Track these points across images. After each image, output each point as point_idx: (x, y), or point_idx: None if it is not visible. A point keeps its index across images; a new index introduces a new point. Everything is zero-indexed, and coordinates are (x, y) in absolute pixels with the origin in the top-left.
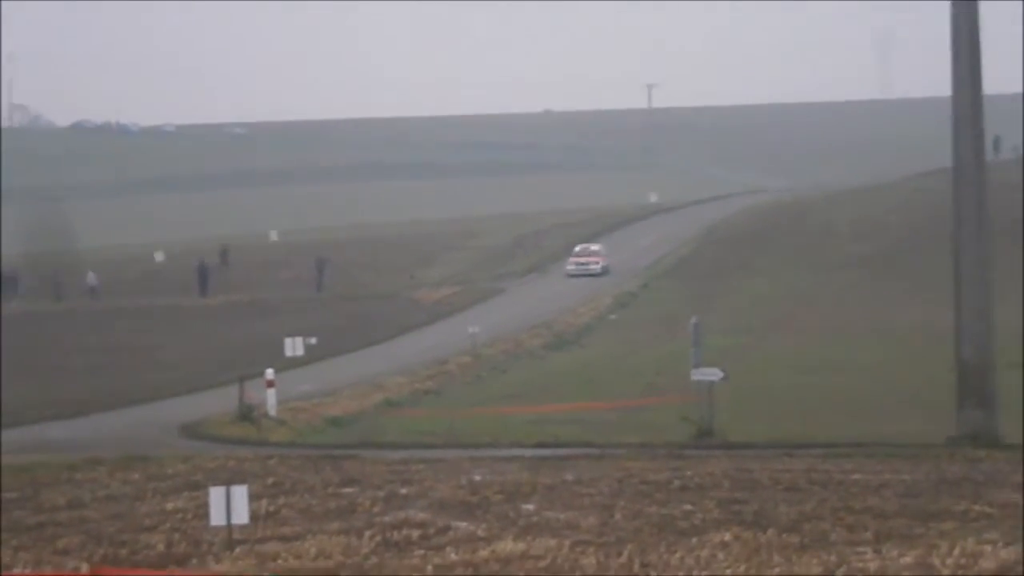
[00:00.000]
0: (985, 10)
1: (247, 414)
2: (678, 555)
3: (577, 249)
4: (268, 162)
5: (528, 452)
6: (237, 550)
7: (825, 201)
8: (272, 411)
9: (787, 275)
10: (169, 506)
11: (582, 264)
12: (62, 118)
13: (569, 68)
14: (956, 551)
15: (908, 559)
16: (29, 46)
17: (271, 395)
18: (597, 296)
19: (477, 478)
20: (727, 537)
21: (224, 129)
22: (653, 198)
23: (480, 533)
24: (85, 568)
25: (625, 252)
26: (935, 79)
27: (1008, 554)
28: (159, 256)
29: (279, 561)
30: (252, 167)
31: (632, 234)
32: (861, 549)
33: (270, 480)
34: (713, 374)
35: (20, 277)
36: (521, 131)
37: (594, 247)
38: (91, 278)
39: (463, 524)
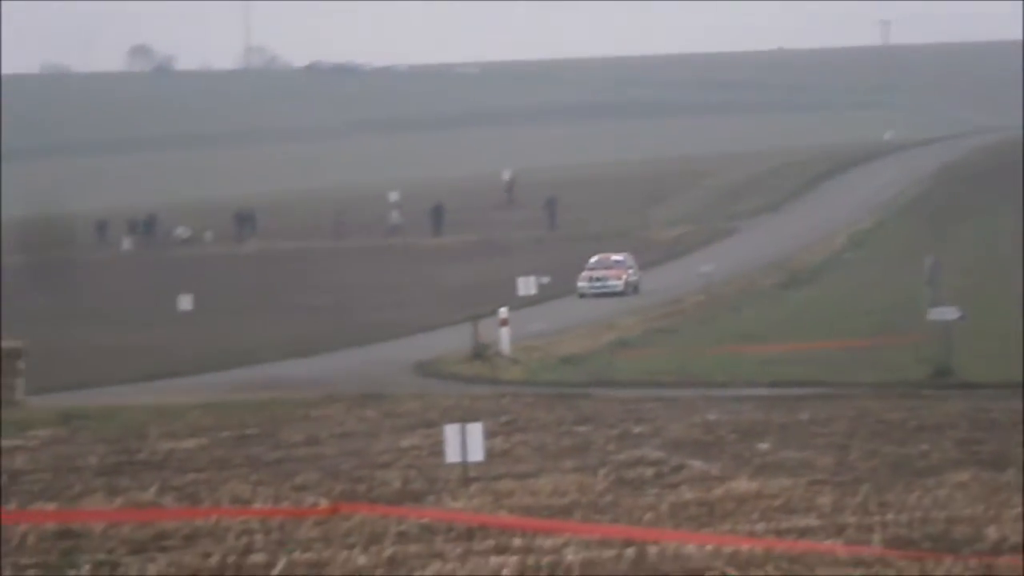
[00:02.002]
0: None
1: (481, 352)
2: (915, 495)
3: (593, 260)
4: (500, 102)
5: (762, 391)
6: (472, 487)
7: None
8: (505, 350)
9: None
10: (405, 443)
11: (598, 281)
12: (297, 59)
13: (802, 6)
14: None
15: None
16: None
17: (504, 334)
18: (831, 235)
19: (711, 417)
20: (965, 477)
21: (456, 69)
22: (888, 136)
23: (715, 472)
24: (324, 503)
25: (859, 191)
26: None
27: None
28: (393, 196)
29: (514, 498)
30: (484, 107)
31: (866, 173)
32: None
33: (504, 418)
34: (950, 313)
35: (256, 216)
36: (752, 69)
37: (616, 257)
38: (394, 216)
39: (697, 463)
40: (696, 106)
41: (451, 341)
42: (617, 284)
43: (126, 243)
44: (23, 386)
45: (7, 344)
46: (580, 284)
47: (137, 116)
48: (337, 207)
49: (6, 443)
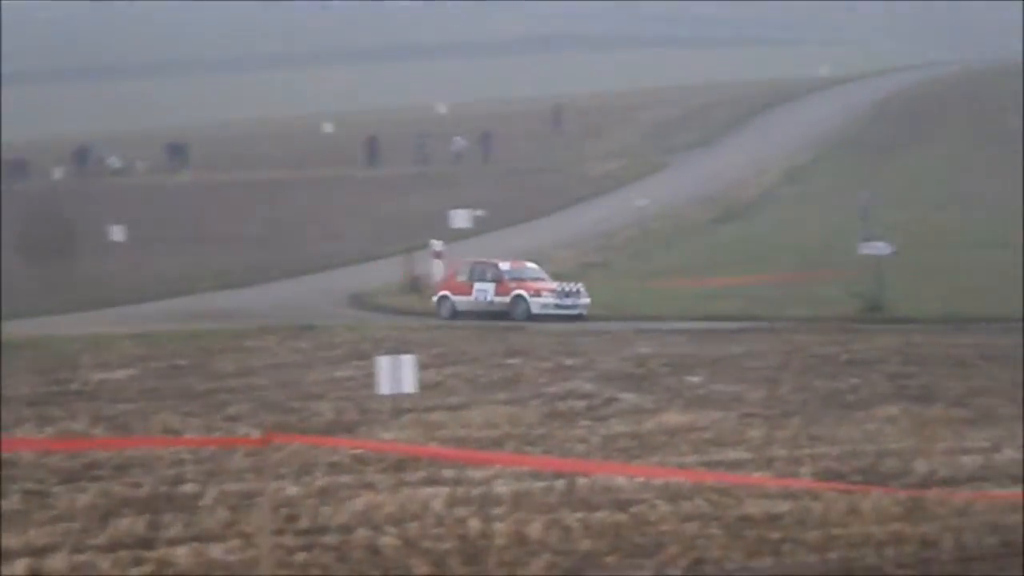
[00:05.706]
0: None
1: (414, 285)
2: (844, 428)
3: (505, 267)
4: (428, 37)
5: (694, 325)
6: (404, 418)
7: (1002, 74)
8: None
9: (961, 149)
10: (337, 374)
11: (568, 298)
12: None
13: None
14: None
15: None
16: None
17: (438, 266)
18: (765, 170)
19: (643, 350)
20: (894, 411)
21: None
22: (824, 71)
23: (646, 405)
24: (256, 434)
25: (794, 127)
26: None
27: None
28: (327, 128)
29: (446, 430)
30: (419, 41)
31: (802, 108)
32: None
33: (436, 350)
34: (882, 248)
35: (189, 147)
36: (690, 3)
37: (532, 264)
38: (457, 143)
39: (629, 396)
40: (633, 39)
41: (385, 273)
42: (587, 302)
43: (57, 173)
44: None
45: None
46: (539, 300)
47: (69, 45)
48: (272, 138)
49: None
